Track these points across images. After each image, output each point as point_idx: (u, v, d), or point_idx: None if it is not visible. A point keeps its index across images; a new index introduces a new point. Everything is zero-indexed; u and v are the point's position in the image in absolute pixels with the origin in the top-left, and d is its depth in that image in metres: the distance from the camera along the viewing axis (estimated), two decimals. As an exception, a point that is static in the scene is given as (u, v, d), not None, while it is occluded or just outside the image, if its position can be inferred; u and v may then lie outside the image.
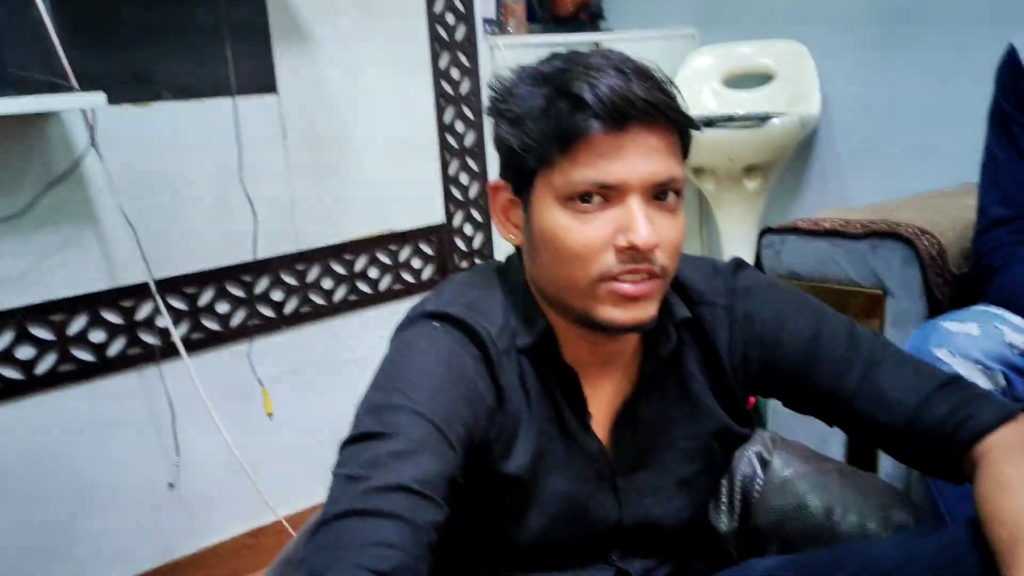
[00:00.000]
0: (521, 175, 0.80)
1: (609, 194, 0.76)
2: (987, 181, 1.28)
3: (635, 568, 0.89)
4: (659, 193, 0.77)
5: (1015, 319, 1.18)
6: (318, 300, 1.93)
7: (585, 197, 0.76)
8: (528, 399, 0.82)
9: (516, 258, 0.88)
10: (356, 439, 0.74)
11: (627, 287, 0.76)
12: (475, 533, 0.84)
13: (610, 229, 0.76)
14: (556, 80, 0.76)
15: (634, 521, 0.88)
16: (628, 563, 0.89)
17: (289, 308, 1.88)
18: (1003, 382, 1.13)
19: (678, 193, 0.79)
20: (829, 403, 0.86)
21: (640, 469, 0.88)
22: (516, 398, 0.82)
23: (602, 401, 0.87)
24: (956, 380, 0.84)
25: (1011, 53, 1.23)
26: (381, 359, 0.82)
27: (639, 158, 0.75)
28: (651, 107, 0.74)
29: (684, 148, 0.80)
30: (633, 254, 0.75)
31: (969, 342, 1.13)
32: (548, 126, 0.76)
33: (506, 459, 0.81)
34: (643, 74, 0.76)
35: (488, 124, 0.85)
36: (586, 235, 0.76)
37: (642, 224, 0.75)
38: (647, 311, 0.78)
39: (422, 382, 0.76)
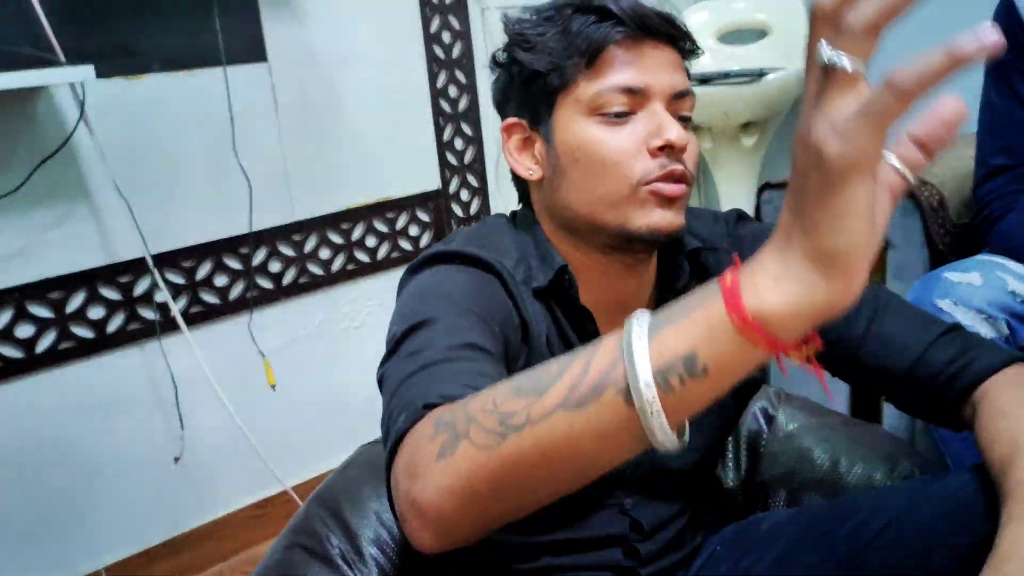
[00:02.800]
0: (540, 102, 0.82)
1: (635, 102, 0.79)
2: (985, 130, 1.26)
3: (647, 518, 0.89)
4: (677, 108, 0.81)
5: (1017, 267, 1.17)
6: (316, 270, 1.92)
7: (613, 108, 0.79)
8: (549, 340, 0.83)
9: (525, 207, 0.89)
10: (397, 342, 0.71)
11: (667, 187, 0.78)
12: None
13: (642, 134, 0.79)
14: (575, 2, 0.81)
15: (643, 462, 0.88)
16: (640, 513, 0.89)
17: (288, 279, 1.88)
18: (1006, 330, 1.13)
19: (689, 117, 0.82)
20: (835, 349, 0.86)
21: None
22: (537, 333, 0.81)
23: None
24: (958, 328, 0.84)
25: (1006, 1, 1.22)
26: (398, 301, 0.79)
27: (660, 67, 0.79)
28: (667, 23, 0.80)
29: (688, 75, 0.84)
30: (668, 153, 0.78)
31: (972, 291, 1.13)
32: (572, 41, 0.79)
33: None
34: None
35: (483, 87, 0.86)
36: (620, 142, 0.79)
37: (672, 122, 0.78)
38: (680, 217, 0.80)
39: (454, 289, 0.75)
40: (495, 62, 0.86)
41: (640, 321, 0.51)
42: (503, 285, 0.80)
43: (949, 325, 0.84)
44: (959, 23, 1.66)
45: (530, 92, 0.83)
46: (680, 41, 0.82)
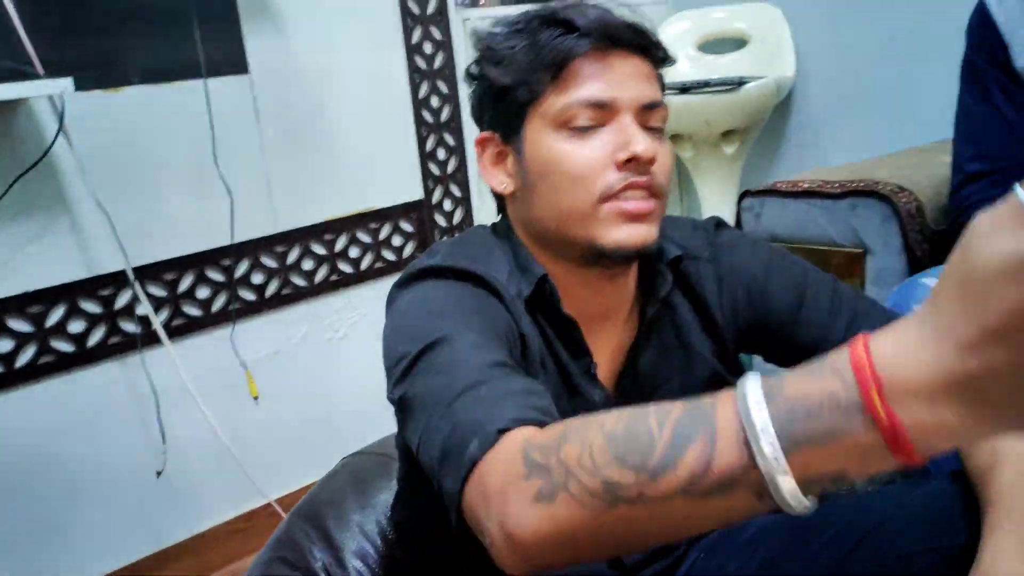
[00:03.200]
0: (510, 116, 0.82)
1: (602, 116, 0.78)
2: (962, 136, 1.28)
3: None
4: (646, 120, 0.80)
5: (994, 272, 1.18)
6: (299, 281, 1.92)
7: (580, 121, 0.78)
8: (540, 352, 0.82)
9: (503, 218, 0.88)
10: (410, 364, 0.69)
11: (630, 204, 0.77)
12: None
13: (608, 147, 0.78)
14: (542, 15, 0.80)
15: None
16: None
17: (270, 290, 1.87)
18: (983, 335, 1.14)
19: (661, 128, 0.81)
20: (815, 354, 0.85)
21: None
22: (533, 347, 0.80)
23: (604, 352, 0.87)
24: None
25: (981, 7, 1.23)
26: (387, 320, 0.77)
27: (628, 79, 0.78)
28: (635, 33, 0.78)
29: (662, 86, 0.83)
30: (634, 167, 0.77)
31: (949, 297, 1.14)
32: (538, 55, 0.78)
33: None
34: (618, 9, 0.80)
35: (465, 97, 0.86)
36: (585, 155, 0.78)
37: (639, 135, 0.77)
38: (651, 232, 0.79)
39: (461, 309, 0.73)
40: (469, 75, 0.85)
41: (764, 427, 0.45)
42: (500, 300, 0.79)
43: None
44: (936, 29, 1.66)
45: (501, 106, 0.82)
46: (651, 51, 0.81)
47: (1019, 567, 0.62)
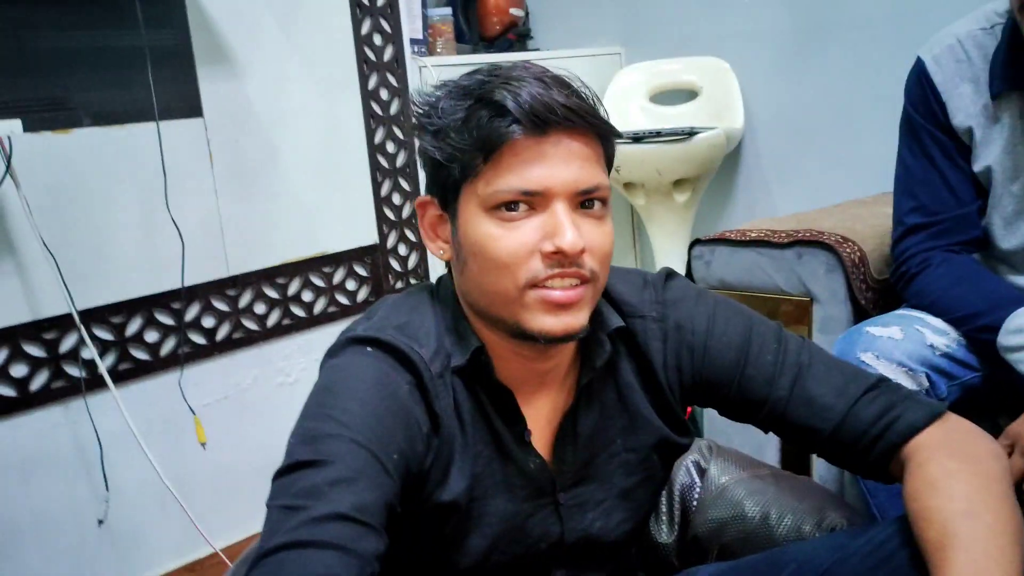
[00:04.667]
0: (447, 188, 0.80)
1: (534, 201, 0.76)
2: (901, 190, 1.32)
3: None
4: (585, 201, 0.77)
5: (935, 321, 1.22)
6: (251, 325, 1.90)
7: (511, 206, 0.76)
8: (462, 423, 0.81)
9: (448, 277, 0.87)
10: (290, 469, 0.72)
11: (556, 293, 0.76)
12: (415, 561, 0.83)
13: (536, 235, 0.76)
14: (478, 91, 0.77)
15: (576, 537, 0.88)
16: None
17: (221, 334, 1.85)
18: (926, 383, 1.16)
19: (604, 202, 0.79)
20: (762, 410, 0.86)
21: (581, 483, 0.88)
22: (451, 424, 0.80)
23: (541, 417, 0.86)
24: (883, 382, 0.86)
25: (919, 66, 1.28)
26: (313, 387, 0.80)
27: (562, 164, 0.76)
28: (572, 113, 0.75)
29: (608, 158, 0.81)
30: (560, 259, 0.75)
31: (892, 345, 1.17)
32: (471, 135, 0.76)
33: (443, 486, 0.80)
34: (563, 83, 0.77)
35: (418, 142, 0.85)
36: (512, 242, 0.76)
37: (568, 228, 0.75)
38: (578, 319, 0.78)
39: (356, 409, 0.74)
40: (412, 128, 0.84)
41: None
42: (416, 378, 0.78)
43: (874, 380, 0.86)
44: (877, 85, 1.73)
45: (437, 176, 0.81)
46: (591, 129, 0.77)
47: None
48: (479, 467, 0.82)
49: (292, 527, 0.67)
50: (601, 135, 0.79)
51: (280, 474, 0.72)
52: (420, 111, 0.81)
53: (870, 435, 0.82)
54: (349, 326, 0.84)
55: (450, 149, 0.77)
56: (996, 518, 0.72)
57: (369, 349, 0.79)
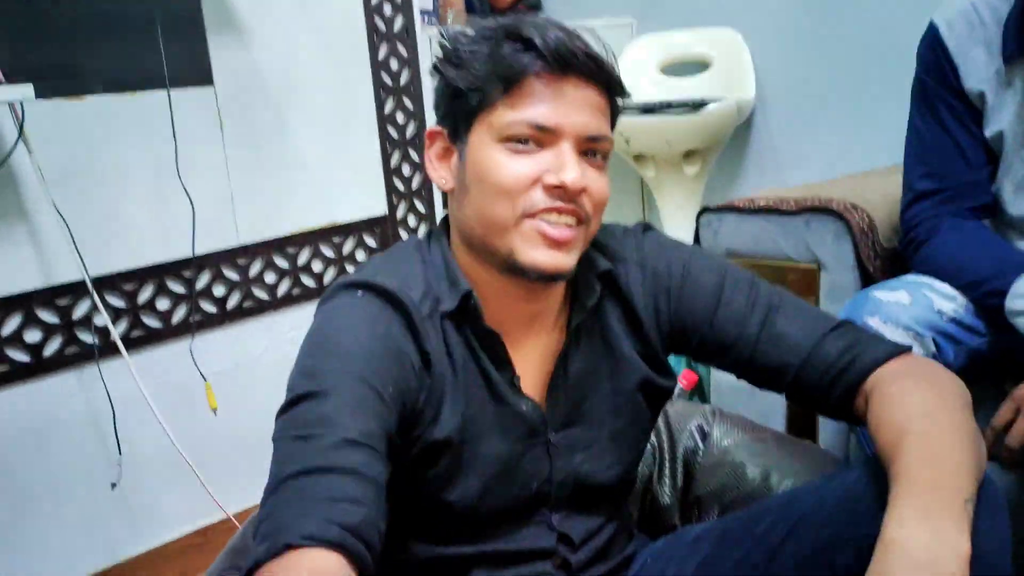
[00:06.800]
0: (459, 118, 0.83)
1: (544, 138, 0.79)
2: (911, 155, 1.31)
3: (575, 531, 0.91)
4: (589, 150, 0.81)
5: (943, 287, 1.21)
6: (261, 295, 1.91)
7: (522, 140, 0.79)
8: (454, 365, 0.84)
9: (442, 225, 0.90)
10: (293, 403, 0.75)
11: (551, 230, 0.79)
12: (410, 500, 0.85)
13: (541, 167, 0.79)
14: (505, 27, 0.81)
15: (564, 475, 0.89)
16: (568, 526, 0.90)
17: (232, 303, 1.86)
18: (933, 348, 1.16)
19: (605, 156, 0.83)
20: (733, 350, 0.90)
21: (572, 425, 0.90)
22: (441, 364, 0.83)
23: (532, 360, 0.89)
24: (848, 323, 0.89)
25: (932, 30, 1.27)
26: (308, 331, 0.82)
27: (575, 107, 0.79)
28: (592, 61, 0.79)
29: (614, 115, 0.85)
30: (560, 193, 0.79)
31: (900, 310, 1.17)
32: (494, 66, 0.80)
33: (435, 424, 0.82)
34: (581, 36, 0.81)
35: (431, 114, 0.89)
36: (517, 170, 0.79)
37: (573, 165, 0.79)
38: (569, 259, 0.81)
39: (351, 345, 0.77)
40: (433, 67, 0.87)
41: None
42: (406, 318, 0.81)
43: (840, 321, 0.89)
44: (889, 54, 1.71)
45: (453, 106, 0.84)
46: (606, 83, 0.82)
47: (918, 533, 0.65)
48: (473, 408, 0.84)
49: (309, 454, 0.70)
50: (613, 92, 0.83)
51: (284, 410, 0.75)
52: (446, 43, 0.84)
53: (836, 368, 0.85)
54: (342, 276, 0.87)
55: (471, 77, 0.81)
56: (950, 419, 0.74)
57: (360, 292, 0.82)
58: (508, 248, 0.80)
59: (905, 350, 0.86)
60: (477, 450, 0.85)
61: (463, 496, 0.84)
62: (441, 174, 0.87)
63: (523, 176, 0.79)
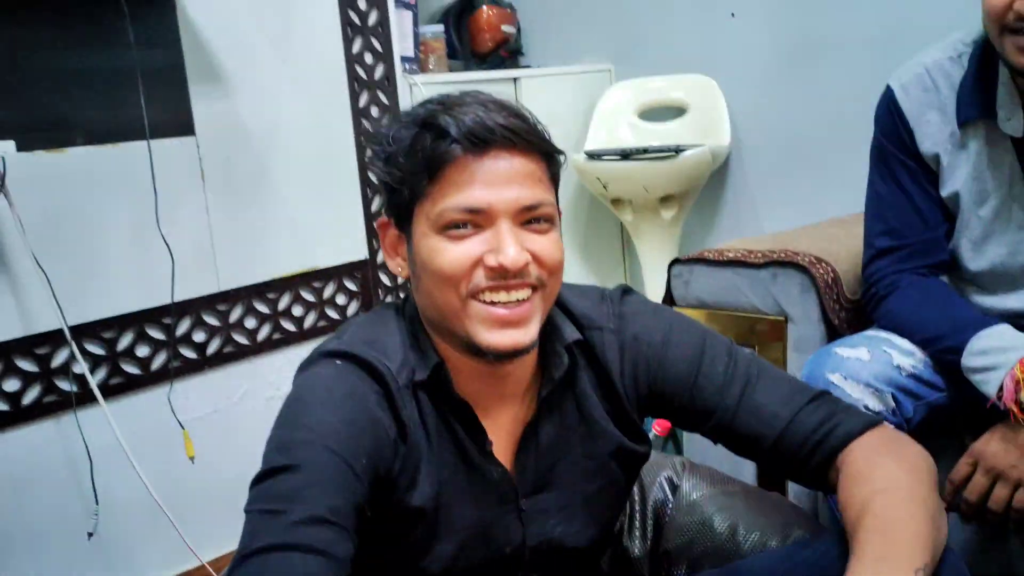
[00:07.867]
0: (401, 210, 0.85)
1: (479, 219, 0.80)
2: (871, 213, 1.35)
3: None
4: (529, 219, 0.82)
5: (902, 342, 1.24)
6: (241, 340, 1.93)
7: (457, 225, 0.80)
8: (428, 433, 0.85)
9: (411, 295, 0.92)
10: (266, 475, 0.76)
11: (500, 311, 0.81)
12: (383, 567, 0.86)
13: (480, 249, 0.80)
14: (422, 118, 0.82)
15: (537, 541, 0.91)
16: None
17: (212, 349, 1.87)
18: (892, 403, 1.19)
19: (550, 220, 0.83)
20: (711, 418, 0.91)
21: (543, 490, 0.92)
22: (417, 433, 0.84)
23: (503, 427, 0.90)
24: (825, 395, 0.91)
25: (888, 94, 1.31)
26: (286, 398, 0.84)
27: (505, 182, 0.80)
28: (510, 132, 0.79)
29: (553, 176, 0.86)
30: (503, 271, 0.79)
31: (860, 366, 1.20)
32: (416, 158, 0.81)
33: (411, 492, 0.84)
34: (504, 107, 0.82)
35: None
36: (455, 256, 0.80)
37: (510, 244, 0.79)
38: (527, 334, 0.82)
39: (326, 417, 0.78)
40: (368, 164, 0.90)
41: None
42: (384, 388, 0.82)
43: (817, 392, 0.91)
44: (856, 107, 1.70)
45: (392, 200, 0.86)
46: (531, 148, 0.82)
47: None
48: (445, 475, 0.86)
49: (273, 530, 0.71)
50: (543, 154, 0.83)
51: (257, 481, 0.76)
52: (374, 141, 0.87)
53: (811, 442, 0.87)
54: (321, 343, 0.88)
55: (399, 173, 0.82)
56: (909, 492, 0.77)
57: (339, 362, 0.83)
58: (464, 331, 0.82)
59: (878, 422, 0.88)
60: (451, 516, 0.86)
61: (437, 561, 0.86)
62: (397, 262, 0.89)
63: (463, 261, 0.80)
